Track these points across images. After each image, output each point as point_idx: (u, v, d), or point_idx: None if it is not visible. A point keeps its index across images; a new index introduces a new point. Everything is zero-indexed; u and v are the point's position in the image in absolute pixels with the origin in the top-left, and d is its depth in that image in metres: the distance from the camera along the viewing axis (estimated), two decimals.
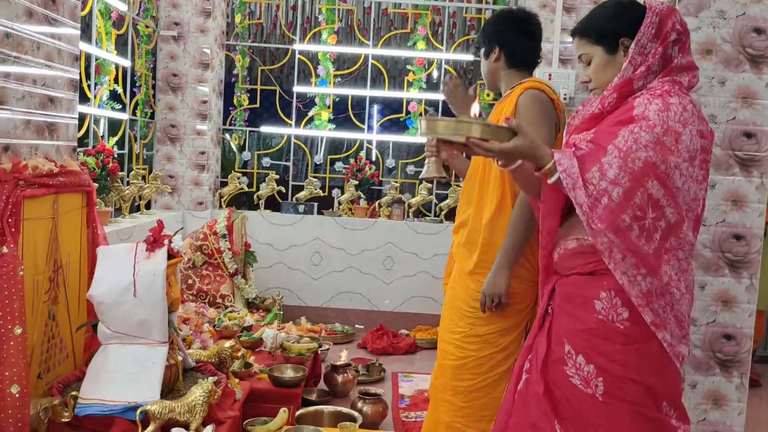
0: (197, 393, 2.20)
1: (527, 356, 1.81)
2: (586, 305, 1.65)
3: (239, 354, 2.79)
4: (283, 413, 2.67)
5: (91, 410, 2.13)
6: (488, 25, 2.42)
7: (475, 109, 1.70)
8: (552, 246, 1.76)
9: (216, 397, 2.26)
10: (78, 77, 2.79)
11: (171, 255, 2.37)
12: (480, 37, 2.43)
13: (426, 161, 2.53)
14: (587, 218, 1.56)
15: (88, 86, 3.97)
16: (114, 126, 4.57)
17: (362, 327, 5.16)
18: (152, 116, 5.14)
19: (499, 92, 2.49)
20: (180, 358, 2.42)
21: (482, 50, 2.41)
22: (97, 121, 4.24)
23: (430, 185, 5.50)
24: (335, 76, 5.69)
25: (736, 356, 2.48)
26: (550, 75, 4.75)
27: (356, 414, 3.04)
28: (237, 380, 2.70)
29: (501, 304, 2.21)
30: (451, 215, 5.17)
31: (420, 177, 2.51)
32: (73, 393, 2.15)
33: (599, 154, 1.59)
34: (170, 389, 2.38)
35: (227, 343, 2.73)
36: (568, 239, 1.72)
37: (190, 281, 4.52)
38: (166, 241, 2.37)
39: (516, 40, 2.39)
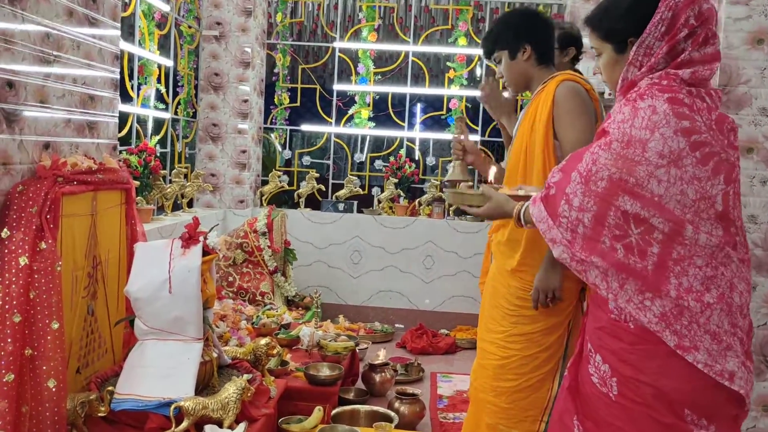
0: (231, 390, 2.20)
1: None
2: (602, 304, 1.61)
3: (275, 351, 2.79)
4: (318, 412, 2.66)
5: (126, 405, 2.15)
6: (511, 25, 2.34)
7: (492, 172, 1.78)
8: None
9: (249, 394, 2.26)
10: (118, 76, 2.83)
11: (206, 252, 2.38)
12: (502, 39, 2.32)
13: (451, 164, 2.52)
14: (570, 254, 1.54)
15: (131, 86, 4.03)
16: (157, 125, 4.64)
17: (402, 326, 5.13)
18: (194, 115, 5.20)
19: (520, 94, 2.46)
20: (215, 355, 2.43)
21: (506, 52, 2.31)
22: (143, 121, 4.31)
23: (471, 183, 5.43)
24: (375, 73, 5.67)
25: None
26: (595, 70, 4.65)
27: (392, 414, 3.01)
28: (272, 378, 2.70)
29: (555, 298, 2.16)
30: None
31: (444, 180, 2.50)
32: (110, 388, 2.17)
33: (563, 184, 1.56)
34: (205, 386, 2.39)
35: (263, 341, 2.73)
36: None
37: (230, 278, 4.55)
38: (201, 238, 2.38)
39: (544, 36, 2.35)
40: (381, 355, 3.94)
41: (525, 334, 2.24)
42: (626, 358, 1.54)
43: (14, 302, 1.91)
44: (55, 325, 1.97)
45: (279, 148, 5.97)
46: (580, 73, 3.25)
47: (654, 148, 1.46)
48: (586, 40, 1.89)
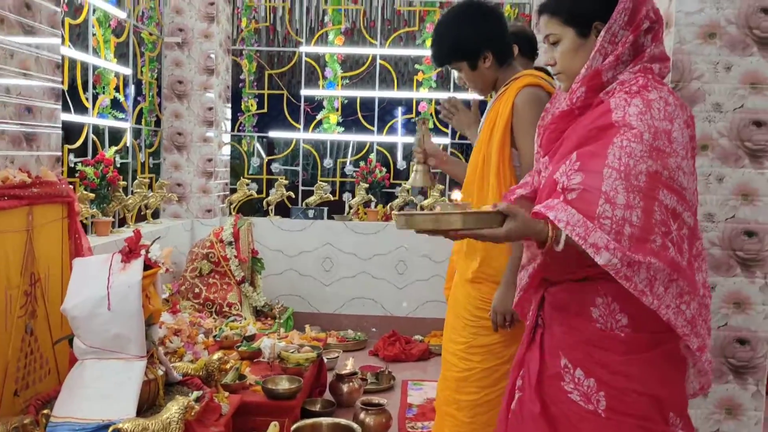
0: (173, 410, 2.11)
1: (518, 373, 1.67)
2: (582, 314, 1.52)
3: (227, 366, 2.70)
4: (273, 427, 2.57)
5: (62, 429, 2.05)
6: (466, 34, 2.17)
7: (455, 194, 1.57)
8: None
9: (193, 413, 2.17)
10: (60, 86, 2.74)
11: (149, 266, 2.29)
12: (458, 51, 2.18)
13: (413, 169, 2.42)
14: (620, 258, 1.37)
15: (86, 96, 3.92)
16: (119, 135, 4.54)
17: (375, 330, 5.06)
18: (158, 124, 5.10)
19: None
20: (161, 373, 2.33)
21: (465, 63, 2.20)
22: (102, 132, 4.20)
23: (442, 186, 5.37)
24: (343, 77, 5.59)
25: (751, 362, 2.29)
26: None
27: (356, 426, 2.93)
28: (226, 394, 2.61)
29: (513, 321, 2.08)
30: None
31: (407, 186, 2.38)
32: (45, 411, 2.07)
33: (597, 183, 1.42)
34: (150, 405, 2.29)
35: (216, 355, 2.64)
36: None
37: (196, 290, 4.46)
38: (142, 252, 2.29)
39: (501, 35, 2.23)
40: (349, 364, 3.86)
41: (485, 346, 2.17)
42: (618, 370, 1.48)
43: None
44: None
45: (263, 154, 5.88)
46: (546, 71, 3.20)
47: (677, 139, 1.43)
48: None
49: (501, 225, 1.44)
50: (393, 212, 1.54)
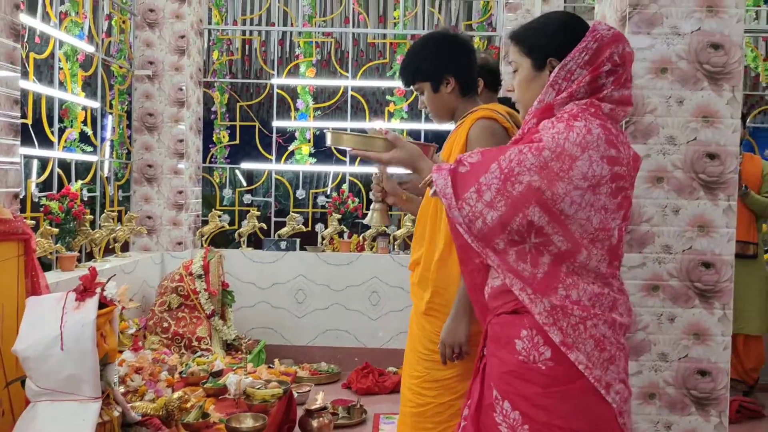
0: None
1: (467, 402, 1.67)
2: (508, 345, 1.53)
3: (188, 405, 2.65)
4: None
5: None
6: (432, 55, 2.21)
7: (375, 123, 1.69)
8: (472, 284, 1.63)
9: None
10: (19, 121, 2.71)
11: (104, 304, 2.25)
12: (423, 70, 2.20)
13: (371, 208, 2.40)
14: (468, 236, 1.53)
15: (52, 130, 3.89)
16: (86, 169, 4.50)
17: (357, 360, 5.02)
18: (128, 157, 5.07)
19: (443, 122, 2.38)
20: (117, 414, 2.28)
21: (428, 84, 2.21)
22: (68, 165, 4.16)
23: (414, 216, 5.37)
24: (315, 109, 5.61)
25: (713, 393, 2.29)
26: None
27: None
28: None
29: (462, 353, 2.06)
30: None
31: (364, 222, 2.34)
32: None
33: (480, 171, 1.51)
34: None
35: (175, 394, 2.59)
36: (493, 277, 1.58)
37: (165, 324, 4.39)
38: (98, 290, 2.25)
39: (467, 65, 2.27)
40: (319, 398, 3.80)
41: (439, 381, 2.14)
42: (539, 403, 1.47)
43: None
44: None
45: (244, 182, 5.84)
46: (508, 102, 3.22)
47: (580, 168, 1.43)
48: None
49: (388, 150, 1.71)
50: (327, 131, 1.83)
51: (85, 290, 2.22)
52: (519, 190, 1.45)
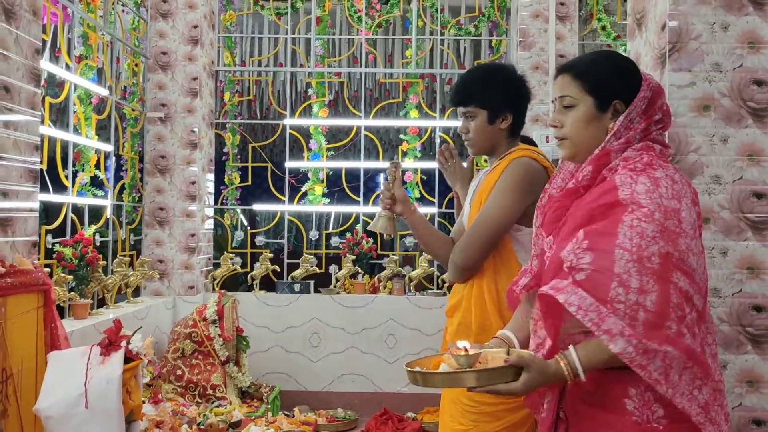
0: None
1: None
2: (615, 406, 1.42)
3: None
4: None
5: None
6: (500, 87, 2.14)
7: (461, 344, 1.49)
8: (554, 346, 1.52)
9: None
10: (38, 167, 2.64)
11: (129, 358, 2.15)
12: (485, 97, 2.13)
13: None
14: (635, 343, 1.31)
15: (65, 174, 3.83)
16: (98, 213, 4.43)
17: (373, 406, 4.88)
18: (140, 200, 5.00)
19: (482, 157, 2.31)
20: None
21: (485, 113, 2.14)
22: (81, 210, 4.08)
23: (430, 257, 5.28)
24: (328, 149, 5.56)
25: None
26: (548, 137, 4.61)
27: None
28: None
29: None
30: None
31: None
32: None
33: (607, 264, 1.36)
34: None
35: None
36: (576, 333, 1.47)
37: (179, 372, 4.27)
38: (123, 343, 2.16)
39: (525, 109, 2.23)
40: None
41: None
42: None
43: None
44: None
45: (246, 222, 5.76)
46: (530, 141, 3.16)
47: (686, 219, 1.39)
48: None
49: (515, 377, 1.38)
50: (406, 368, 1.48)
51: (110, 344, 2.13)
52: (657, 262, 1.35)
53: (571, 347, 1.40)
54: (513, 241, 2.12)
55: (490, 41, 5.97)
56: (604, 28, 5.52)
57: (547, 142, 4.60)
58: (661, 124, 1.54)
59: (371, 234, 5.53)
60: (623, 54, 1.66)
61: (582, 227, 1.45)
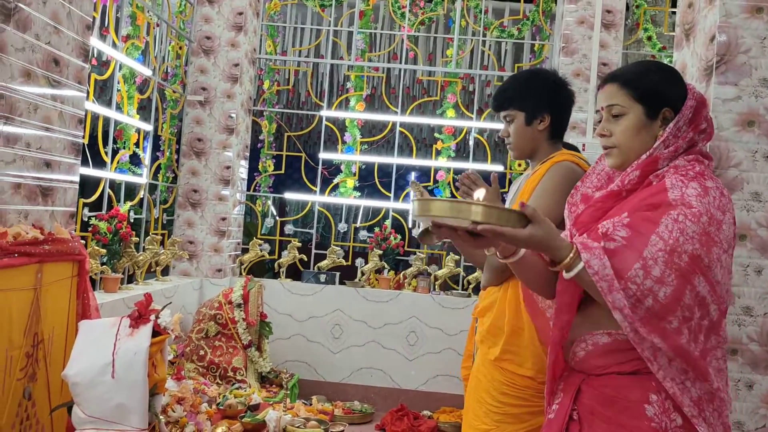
0: None
1: None
2: (633, 410, 1.42)
3: None
4: None
5: None
6: (536, 88, 2.15)
7: (478, 193, 1.47)
8: (562, 340, 1.52)
9: None
10: (81, 141, 2.70)
11: (157, 332, 2.19)
12: (522, 100, 2.13)
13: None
14: (629, 322, 1.36)
15: (106, 151, 3.91)
16: (135, 190, 4.51)
17: (389, 401, 4.89)
18: (174, 180, 5.07)
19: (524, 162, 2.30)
20: None
21: (522, 114, 2.14)
22: (118, 186, 4.16)
23: (457, 257, 5.27)
24: (362, 143, 5.58)
25: None
26: (584, 145, 4.56)
27: None
28: None
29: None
30: (479, 289, 4.92)
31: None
32: None
33: (639, 245, 1.38)
34: None
35: (219, 429, 2.51)
36: (597, 333, 1.48)
37: (201, 352, 4.32)
38: (152, 317, 2.20)
39: (566, 109, 2.21)
40: None
41: None
42: None
43: None
44: None
45: (275, 211, 5.81)
46: (572, 147, 3.14)
47: (725, 231, 1.41)
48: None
49: (524, 227, 1.35)
50: (411, 197, 1.44)
51: (139, 317, 2.17)
52: (685, 261, 1.36)
53: (588, 254, 1.39)
54: None
55: (532, 45, 5.93)
56: (649, 38, 5.45)
57: (583, 150, 4.56)
58: (704, 134, 1.55)
59: (399, 230, 5.54)
60: (667, 63, 1.66)
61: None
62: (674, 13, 4.23)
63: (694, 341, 1.38)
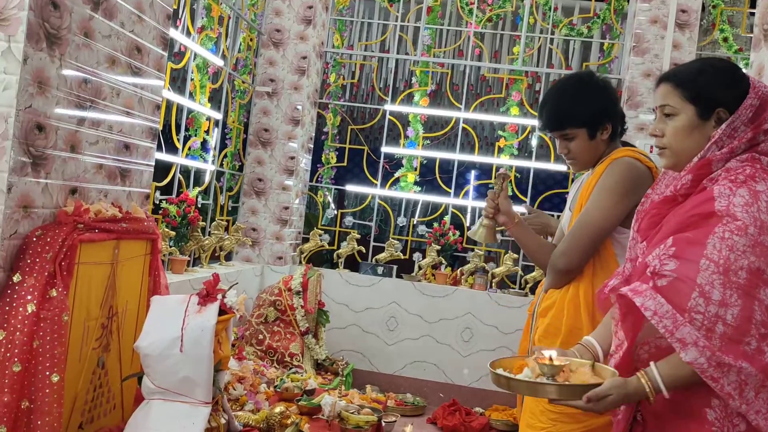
0: None
1: None
2: (696, 416, 1.41)
3: (289, 421, 2.63)
4: None
5: None
6: (592, 101, 2.12)
7: (549, 353, 1.51)
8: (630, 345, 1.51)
9: None
10: (158, 126, 2.82)
11: (223, 311, 2.28)
12: (581, 116, 2.10)
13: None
14: (708, 358, 1.31)
15: (178, 137, 4.05)
16: (202, 177, 4.66)
17: (443, 396, 4.91)
18: (240, 169, 5.22)
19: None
20: (223, 421, 2.29)
21: (584, 130, 2.12)
22: (188, 172, 4.31)
23: (516, 255, 5.25)
24: (424, 138, 5.61)
25: None
26: (651, 147, 4.48)
27: None
28: None
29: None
30: (537, 288, 4.88)
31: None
32: None
33: (691, 273, 1.34)
34: None
35: (278, 408, 2.59)
36: (660, 336, 1.46)
37: (260, 336, 4.44)
38: (219, 296, 2.28)
39: (621, 112, 2.20)
40: (408, 430, 3.73)
41: None
42: None
43: (16, 350, 1.83)
44: (55, 378, 1.88)
45: (333, 204, 5.92)
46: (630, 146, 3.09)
47: None
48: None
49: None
50: (490, 369, 1.55)
51: (207, 295, 2.26)
52: (744, 277, 1.33)
53: (652, 364, 1.39)
54: (615, 243, 2.08)
55: (602, 44, 5.84)
56: (725, 39, 5.29)
57: (651, 151, 4.48)
58: None
59: (458, 227, 5.54)
60: (728, 61, 1.61)
61: (674, 234, 1.44)
62: (753, 13, 4.09)
63: None
